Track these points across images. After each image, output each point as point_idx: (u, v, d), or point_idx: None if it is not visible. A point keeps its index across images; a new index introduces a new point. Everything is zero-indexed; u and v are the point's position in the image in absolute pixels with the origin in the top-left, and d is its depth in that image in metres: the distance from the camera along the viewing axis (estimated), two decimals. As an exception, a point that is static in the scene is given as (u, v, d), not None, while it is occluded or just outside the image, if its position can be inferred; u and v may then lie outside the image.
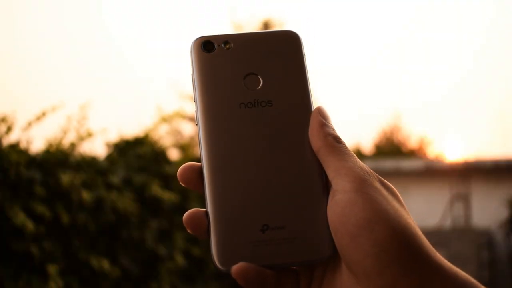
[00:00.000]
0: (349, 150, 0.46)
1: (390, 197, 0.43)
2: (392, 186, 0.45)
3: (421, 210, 10.16)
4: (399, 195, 0.45)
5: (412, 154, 20.15)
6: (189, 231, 0.47)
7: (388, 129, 21.72)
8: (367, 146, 21.16)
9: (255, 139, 0.48)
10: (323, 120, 0.47)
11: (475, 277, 0.42)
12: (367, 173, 0.44)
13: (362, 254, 0.40)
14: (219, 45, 0.51)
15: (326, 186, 0.47)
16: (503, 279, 8.56)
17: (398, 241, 0.39)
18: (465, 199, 9.93)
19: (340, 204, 0.42)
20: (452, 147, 18.88)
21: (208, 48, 0.51)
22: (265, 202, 0.46)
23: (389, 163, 10.86)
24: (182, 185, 0.48)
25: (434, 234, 8.40)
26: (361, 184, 0.42)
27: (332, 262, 0.45)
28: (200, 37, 0.52)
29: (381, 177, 0.45)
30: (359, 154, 16.95)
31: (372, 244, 0.39)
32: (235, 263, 0.45)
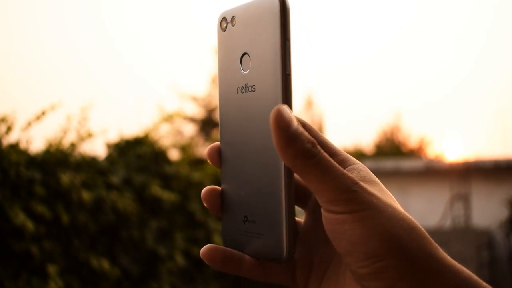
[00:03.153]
0: (325, 159, 0.40)
1: (381, 202, 0.41)
2: (377, 180, 0.44)
3: (421, 210, 10.15)
4: (378, 180, 0.44)
5: (412, 154, 20.15)
6: (205, 205, 0.50)
7: (388, 129, 21.71)
8: (367, 146, 21.16)
9: (243, 127, 0.47)
10: (285, 133, 0.39)
11: (474, 277, 0.42)
12: (352, 182, 0.40)
13: (357, 264, 0.40)
14: (229, 22, 0.48)
15: (291, 192, 0.44)
16: (503, 279, 8.56)
17: (393, 251, 0.39)
18: (465, 199, 9.93)
19: (329, 221, 0.41)
20: (452, 147, 18.87)
21: (223, 27, 0.49)
22: (247, 195, 0.47)
23: (389, 163, 10.86)
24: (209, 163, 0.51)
25: (434, 234, 8.39)
26: (348, 201, 0.39)
27: (337, 258, 0.45)
28: (222, 12, 0.50)
29: (364, 176, 0.43)
30: (360, 154, 16.93)
31: (368, 257, 0.39)
32: (228, 246, 0.48)
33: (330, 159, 0.40)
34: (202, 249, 0.46)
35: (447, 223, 9.74)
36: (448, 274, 0.40)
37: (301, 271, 0.47)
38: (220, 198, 0.49)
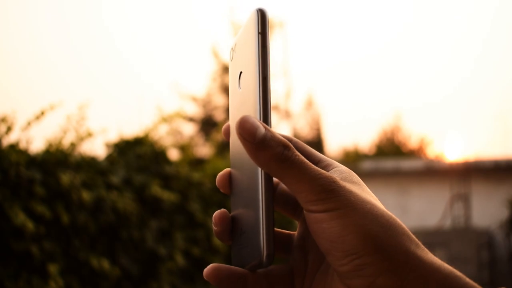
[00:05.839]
0: (299, 161, 0.41)
1: (359, 198, 0.41)
2: (358, 181, 0.44)
3: (421, 210, 10.16)
4: (360, 181, 0.44)
5: (412, 154, 20.16)
6: (214, 228, 0.48)
7: (388, 129, 21.72)
8: (368, 146, 21.17)
9: (239, 147, 0.47)
10: (252, 143, 0.40)
11: (475, 277, 0.42)
12: (328, 182, 0.41)
13: (337, 263, 0.41)
14: (234, 50, 0.50)
15: (270, 198, 0.43)
16: (503, 279, 8.56)
17: (370, 248, 0.40)
18: (465, 199, 9.93)
19: (310, 220, 0.42)
20: (452, 147, 18.86)
21: (231, 56, 0.51)
22: (241, 209, 0.47)
23: (389, 163, 10.86)
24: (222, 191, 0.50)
25: (434, 234, 8.40)
26: (326, 200, 0.40)
27: (326, 259, 0.46)
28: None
29: (345, 177, 0.43)
30: (360, 154, 16.92)
31: (346, 255, 0.40)
32: (234, 262, 0.48)
33: (305, 160, 0.41)
34: (206, 270, 0.45)
35: (447, 223, 9.74)
36: (428, 270, 0.40)
37: (298, 277, 0.47)
38: (231, 223, 0.48)
